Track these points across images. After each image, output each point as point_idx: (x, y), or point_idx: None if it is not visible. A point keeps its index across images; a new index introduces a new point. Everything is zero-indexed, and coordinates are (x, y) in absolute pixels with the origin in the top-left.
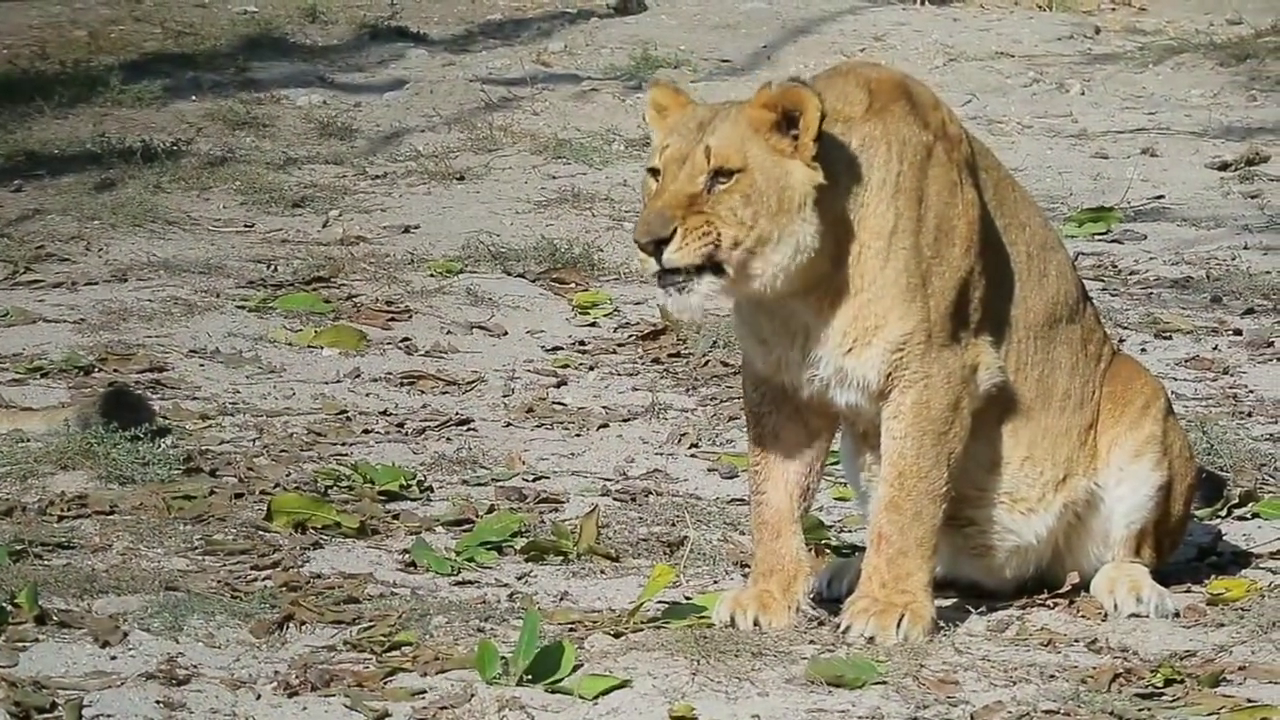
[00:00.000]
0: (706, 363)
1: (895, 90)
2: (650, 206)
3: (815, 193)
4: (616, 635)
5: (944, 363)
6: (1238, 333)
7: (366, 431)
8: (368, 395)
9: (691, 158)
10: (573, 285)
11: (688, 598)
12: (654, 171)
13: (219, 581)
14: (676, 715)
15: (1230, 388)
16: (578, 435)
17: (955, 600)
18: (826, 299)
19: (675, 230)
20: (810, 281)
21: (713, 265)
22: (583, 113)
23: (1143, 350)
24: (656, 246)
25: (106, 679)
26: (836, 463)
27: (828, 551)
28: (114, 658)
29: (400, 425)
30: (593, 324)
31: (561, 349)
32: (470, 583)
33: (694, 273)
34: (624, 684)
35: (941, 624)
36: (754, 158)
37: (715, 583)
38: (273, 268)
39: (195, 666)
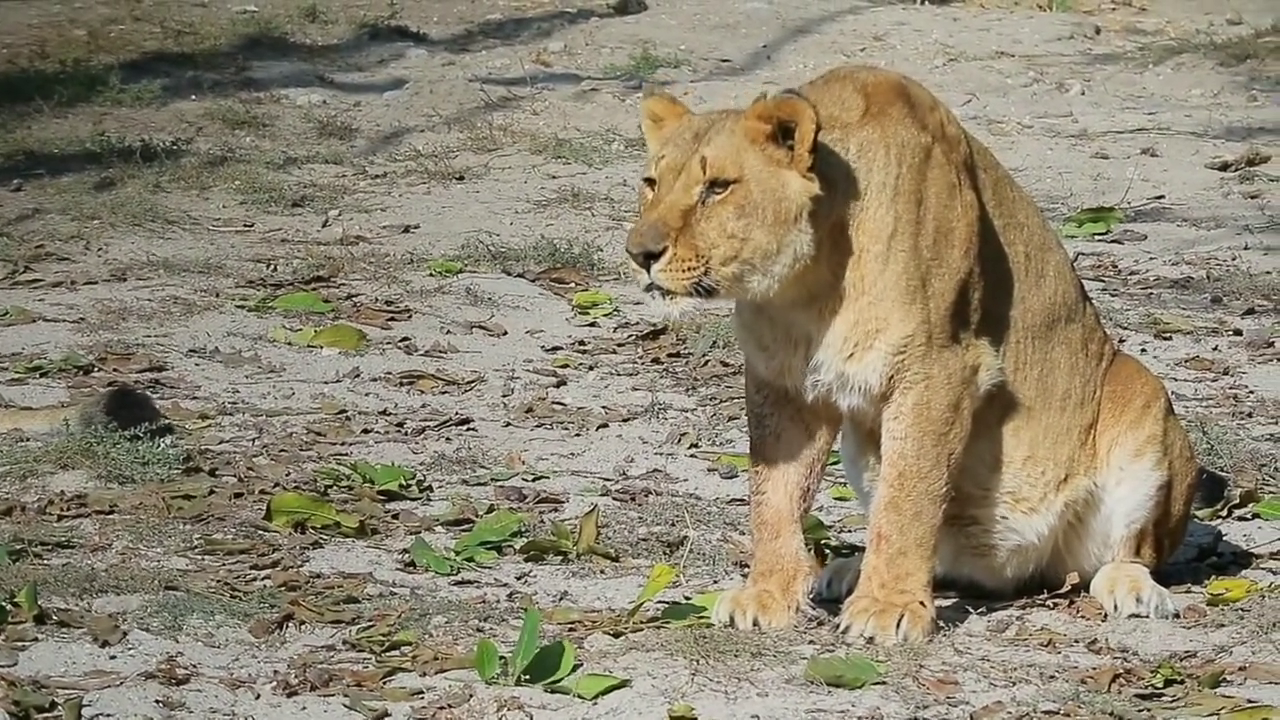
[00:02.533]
0: (706, 363)
1: (892, 93)
2: (645, 217)
3: (811, 204)
4: (616, 635)
5: (944, 364)
6: (1238, 333)
7: (366, 431)
8: (367, 395)
9: (687, 168)
10: (572, 285)
11: (687, 598)
12: (650, 181)
13: (218, 581)
14: (676, 715)
15: (1231, 388)
16: (577, 435)
17: (955, 600)
18: (827, 305)
19: (665, 249)
20: (810, 290)
21: (700, 290)
22: (582, 112)
23: (1143, 350)
24: (646, 259)
25: (106, 678)
26: (836, 463)
27: (828, 552)
28: (113, 657)
29: (400, 425)
30: (592, 324)
31: (561, 349)
32: (470, 582)
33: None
34: (623, 684)
35: (941, 624)
36: (750, 168)
37: (715, 583)
38: (272, 267)
39: (195, 666)
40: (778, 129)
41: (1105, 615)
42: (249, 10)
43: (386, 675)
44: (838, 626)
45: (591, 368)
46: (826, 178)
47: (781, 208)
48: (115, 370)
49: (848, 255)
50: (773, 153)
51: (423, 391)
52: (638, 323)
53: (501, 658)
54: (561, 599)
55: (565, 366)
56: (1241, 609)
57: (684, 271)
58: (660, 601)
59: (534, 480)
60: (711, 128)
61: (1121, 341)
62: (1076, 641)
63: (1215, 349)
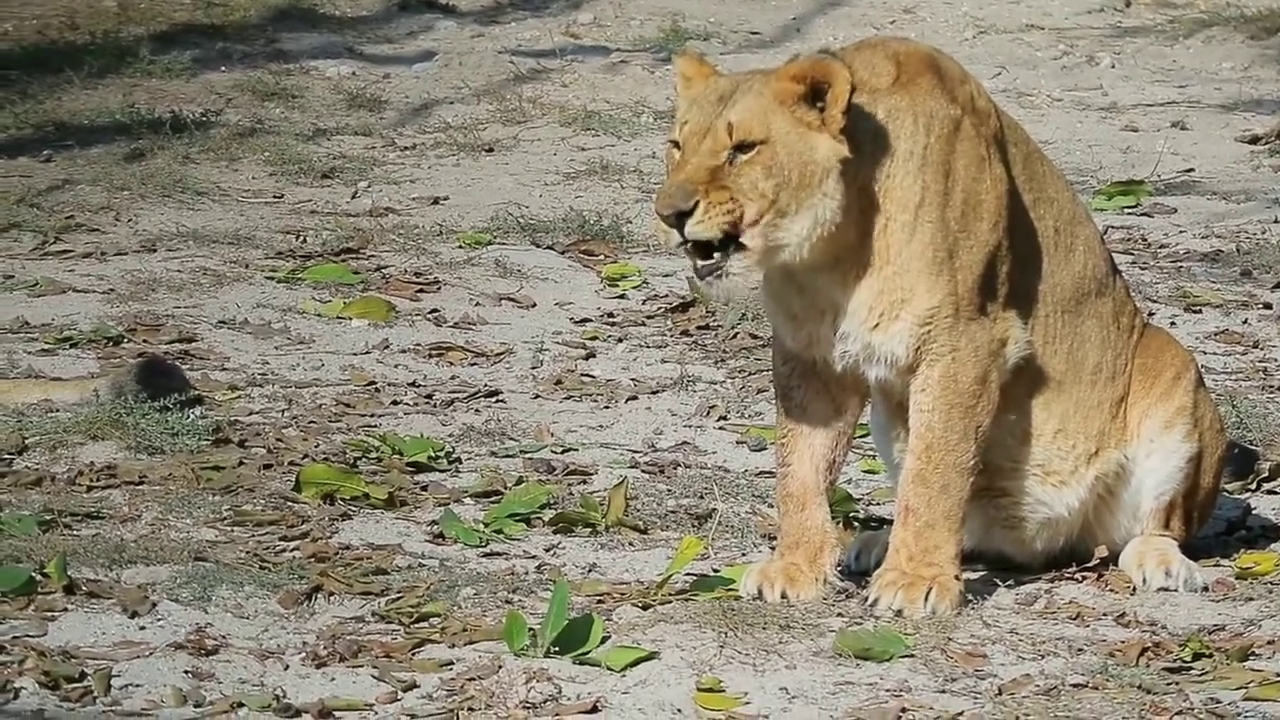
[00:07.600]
0: (735, 335)
1: (923, 63)
2: (672, 179)
3: (840, 166)
4: (644, 607)
5: (971, 336)
6: (1268, 306)
7: (395, 403)
8: (396, 366)
9: (713, 132)
10: (601, 257)
11: (715, 570)
12: (676, 144)
13: (247, 552)
14: (704, 687)
15: (1260, 361)
16: (606, 407)
17: (983, 573)
18: (852, 273)
19: (697, 203)
20: (835, 253)
21: (736, 239)
22: (612, 84)
23: (1172, 324)
24: (678, 219)
25: (135, 649)
26: (865, 435)
27: (855, 524)
28: (143, 628)
29: (429, 397)
30: (621, 296)
31: (590, 321)
32: (498, 554)
33: (723, 251)
34: (651, 656)
35: (969, 597)
36: (777, 130)
37: (743, 555)
38: (302, 239)
39: (224, 637)
40: (810, 90)
41: (1134, 588)
42: None
43: (415, 647)
44: (866, 599)
45: (620, 340)
46: (855, 141)
47: (808, 170)
48: (145, 341)
49: (874, 223)
50: (803, 114)
51: (451, 363)
52: (666, 295)
53: (530, 629)
54: (590, 571)
55: (594, 339)
56: (1270, 583)
57: (720, 213)
58: (688, 574)
59: (563, 452)
60: (737, 90)
61: (1151, 315)
62: (1105, 615)
63: (1245, 322)
